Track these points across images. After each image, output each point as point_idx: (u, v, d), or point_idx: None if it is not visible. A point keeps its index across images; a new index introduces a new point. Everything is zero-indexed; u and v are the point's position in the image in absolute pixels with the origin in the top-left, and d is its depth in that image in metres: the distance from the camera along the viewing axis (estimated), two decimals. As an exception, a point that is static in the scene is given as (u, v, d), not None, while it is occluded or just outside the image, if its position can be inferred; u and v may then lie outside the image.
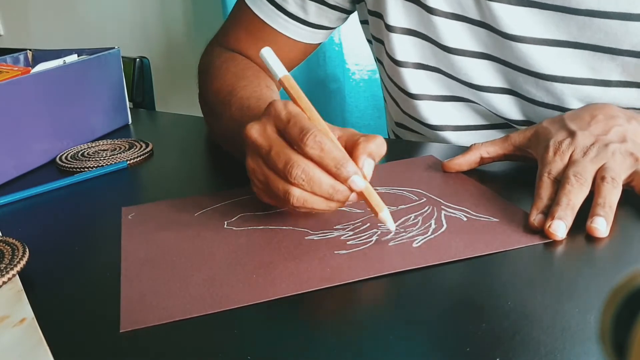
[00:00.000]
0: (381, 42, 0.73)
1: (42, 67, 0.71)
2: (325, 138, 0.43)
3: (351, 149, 0.45)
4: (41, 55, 0.82)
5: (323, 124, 0.46)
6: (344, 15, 0.76)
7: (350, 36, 1.53)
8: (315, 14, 0.73)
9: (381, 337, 0.34)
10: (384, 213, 0.45)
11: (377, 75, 1.63)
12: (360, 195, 0.44)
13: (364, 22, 0.77)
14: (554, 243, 0.43)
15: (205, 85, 0.73)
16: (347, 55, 1.60)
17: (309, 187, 0.43)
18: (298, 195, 0.43)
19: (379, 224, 0.47)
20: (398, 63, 0.70)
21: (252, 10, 0.74)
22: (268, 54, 0.47)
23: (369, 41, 0.79)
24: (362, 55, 1.57)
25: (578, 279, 0.39)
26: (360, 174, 0.44)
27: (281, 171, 0.43)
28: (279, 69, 0.47)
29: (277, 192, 0.44)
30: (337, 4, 0.73)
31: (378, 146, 0.45)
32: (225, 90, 0.66)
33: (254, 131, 0.45)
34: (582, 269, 0.40)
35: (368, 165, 0.45)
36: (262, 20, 0.74)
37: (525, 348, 0.32)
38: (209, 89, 0.71)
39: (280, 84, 0.47)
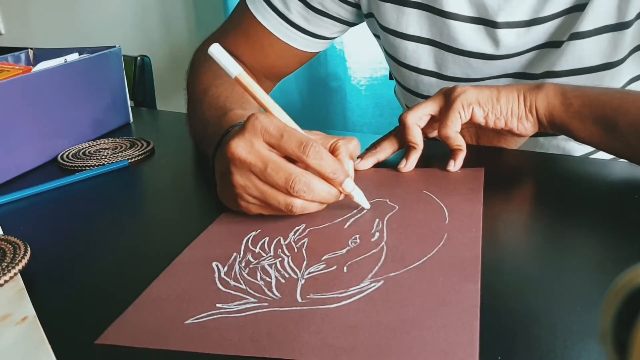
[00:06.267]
0: (392, 55, 0.74)
1: (43, 65, 0.71)
2: (321, 146, 0.45)
3: (331, 152, 0.48)
4: (42, 54, 0.82)
5: (291, 121, 0.48)
6: (346, 27, 0.77)
7: (352, 35, 1.53)
8: (318, 24, 0.74)
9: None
10: (367, 205, 0.50)
11: (378, 74, 1.64)
12: (348, 194, 0.48)
13: (376, 36, 0.77)
14: (554, 243, 0.43)
15: (188, 82, 0.74)
16: (348, 53, 1.60)
17: (310, 196, 0.45)
18: (300, 205, 0.46)
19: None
20: (411, 68, 0.72)
21: (254, 17, 0.74)
22: (218, 51, 0.46)
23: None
24: (363, 54, 1.57)
25: (578, 278, 0.39)
26: (350, 177, 0.47)
27: (282, 187, 0.44)
28: (233, 67, 0.46)
29: (277, 206, 0.46)
30: (341, 17, 0.74)
31: (355, 147, 0.49)
32: (200, 88, 0.67)
33: (241, 149, 0.45)
34: (582, 268, 0.40)
35: (350, 166, 0.49)
36: (264, 27, 0.74)
37: (526, 347, 0.32)
38: (190, 85, 0.72)
39: (236, 82, 0.47)
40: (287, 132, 0.45)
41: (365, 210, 0.50)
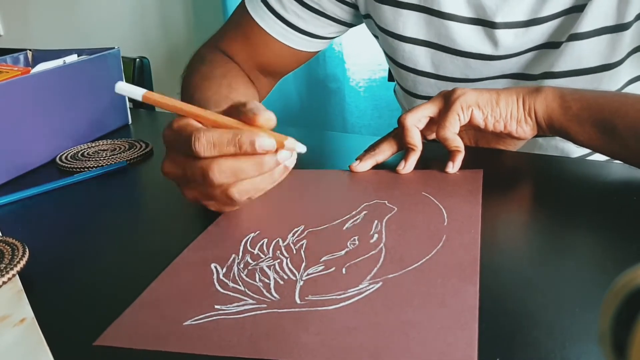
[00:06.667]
0: (390, 56, 0.74)
1: (42, 67, 0.71)
2: (209, 132, 0.42)
3: (249, 119, 0.43)
4: (41, 56, 0.82)
5: (200, 110, 0.45)
6: (344, 28, 0.77)
7: (351, 37, 1.53)
8: (314, 24, 0.75)
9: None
10: (290, 142, 0.44)
11: (377, 76, 1.64)
12: (280, 145, 0.43)
13: (375, 36, 0.78)
14: (553, 244, 0.43)
15: (182, 85, 0.75)
16: (346, 55, 1.60)
17: (236, 178, 0.43)
18: (237, 192, 0.43)
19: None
20: (409, 69, 0.72)
21: (252, 18, 0.75)
22: (122, 88, 0.47)
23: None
24: (362, 55, 1.57)
25: (577, 279, 0.39)
26: (261, 134, 0.42)
27: (204, 183, 0.43)
28: (137, 91, 0.47)
29: (222, 200, 0.45)
30: (337, 16, 0.74)
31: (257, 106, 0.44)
32: (189, 92, 0.68)
33: (166, 167, 0.47)
34: (581, 269, 0.40)
35: (268, 115, 0.43)
36: (261, 27, 0.74)
37: (525, 348, 0.32)
38: (183, 89, 0.73)
39: (145, 100, 0.46)
40: (177, 134, 0.44)
41: (364, 212, 0.50)
